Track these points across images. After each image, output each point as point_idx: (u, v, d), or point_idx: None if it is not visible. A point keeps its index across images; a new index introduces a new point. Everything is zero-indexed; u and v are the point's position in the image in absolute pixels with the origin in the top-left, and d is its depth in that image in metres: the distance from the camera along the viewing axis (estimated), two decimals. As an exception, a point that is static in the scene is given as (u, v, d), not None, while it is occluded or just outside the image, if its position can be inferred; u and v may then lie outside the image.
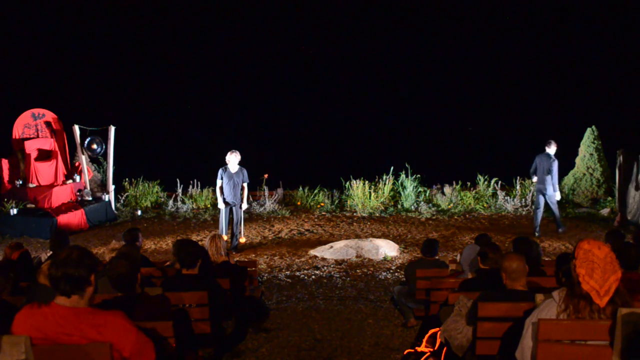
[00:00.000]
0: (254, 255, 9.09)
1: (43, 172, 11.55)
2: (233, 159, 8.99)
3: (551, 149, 9.60)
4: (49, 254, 6.34)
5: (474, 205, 12.13)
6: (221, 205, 9.13)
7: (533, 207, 10.27)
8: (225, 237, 9.04)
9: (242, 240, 9.45)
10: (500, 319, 3.59)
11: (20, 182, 11.33)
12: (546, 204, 9.75)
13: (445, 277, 5.46)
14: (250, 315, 5.66)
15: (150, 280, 4.91)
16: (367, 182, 12.49)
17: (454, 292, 4.39)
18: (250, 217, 11.90)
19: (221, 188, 9.07)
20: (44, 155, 11.68)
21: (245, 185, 9.15)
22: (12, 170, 11.56)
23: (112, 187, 12.34)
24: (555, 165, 9.52)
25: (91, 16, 19.19)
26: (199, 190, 12.97)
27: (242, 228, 9.46)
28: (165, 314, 3.55)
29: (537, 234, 9.75)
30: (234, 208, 9.14)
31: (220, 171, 9.09)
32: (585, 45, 18.79)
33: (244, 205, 9.24)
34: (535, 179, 9.92)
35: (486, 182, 12.54)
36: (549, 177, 9.51)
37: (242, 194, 9.13)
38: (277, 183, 12.95)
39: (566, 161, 11.75)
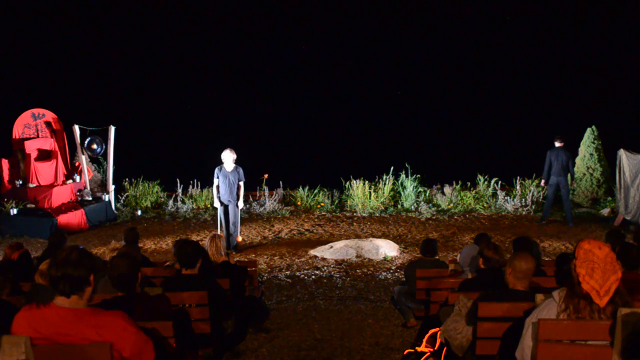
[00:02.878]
0: (254, 255, 9.09)
1: (43, 172, 11.55)
2: (228, 157, 8.94)
3: (561, 143, 10.43)
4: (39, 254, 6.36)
5: (474, 205, 12.13)
6: (217, 204, 9.13)
7: (545, 200, 11.05)
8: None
9: (239, 239, 9.43)
10: (500, 319, 3.59)
11: (20, 182, 11.33)
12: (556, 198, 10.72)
13: (445, 277, 5.46)
14: (250, 315, 5.66)
15: (150, 280, 4.91)
16: (367, 182, 12.49)
17: (454, 292, 4.39)
18: (250, 217, 11.91)
19: (218, 187, 9.07)
20: (44, 155, 11.68)
21: (241, 183, 9.10)
22: (12, 170, 11.56)
23: (112, 187, 12.34)
24: (571, 157, 10.58)
25: (91, 16, 19.19)
26: (199, 190, 12.98)
27: (239, 227, 9.42)
28: (165, 314, 3.55)
29: (543, 222, 10.85)
30: (229, 207, 9.08)
31: (216, 170, 9.06)
32: (586, 45, 18.79)
33: (240, 204, 9.19)
34: (542, 182, 10.79)
35: (486, 182, 12.53)
36: (566, 169, 10.42)
37: (238, 193, 9.11)
38: (277, 183, 12.94)
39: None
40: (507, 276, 3.71)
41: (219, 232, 9.12)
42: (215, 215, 12.00)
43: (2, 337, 2.58)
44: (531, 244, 4.94)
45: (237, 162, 9.14)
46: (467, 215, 11.76)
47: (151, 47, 19.80)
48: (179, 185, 12.83)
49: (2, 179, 11.49)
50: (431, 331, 4.41)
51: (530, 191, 12.06)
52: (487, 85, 19.58)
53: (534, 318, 3.05)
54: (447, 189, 12.51)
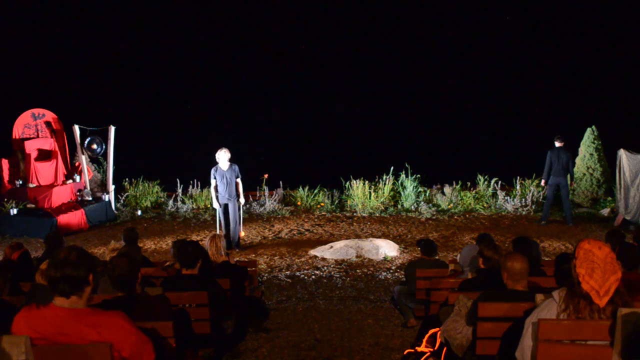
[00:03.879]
0: (254, 255, 9.09)
1: (43, 172, 11.55)
2: (223, 156, 9.03)
3: (562, 143, 10.38)
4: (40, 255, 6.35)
5: (474, 205, 12.13)
6: (215, 205, 9.21)
7: (545, 200, 11.03)
8: None
9: (242, 234, 9.52)
10: (500, 319, 3.59)
11: (20, 182, 11.33)
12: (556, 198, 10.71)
13: (445, 277, 5.46)
14: (250, 315, 5.66)
15: (150, 280, 4.91)
16: (367, 182, 12.49)
17: (454, 292, 4.39)
18: (250, 217, 11.90)
19: (216, 187, 9.15)
20: (44, 155, 11.68)
21: (239, 180, 9.18)
22: (12, 170, 11.56)
23: (112, 187, 12.34)
24: (571, 157, 10.55)
25: (91, 16, 19.19)
26: (199, 190, 12.97)
27: (241, 223, 9.50)
28: (165, 314, 3.54)
29: (543, 223, 10.77)
30: (229, 205, 9.14)
31: (212, 171, 9.17)
32: (586, 45, 18.79)
33: (241, 200, 9.28)
34: (542, 182, 10.78)
35: (486, 182, 12.53)
36: (566, 170, 10.38)
37: (237, 189, 9.16)
38: (277, 183, 12.95)
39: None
40: (505, 281, 3.72)
41: (218, 232, 9.18)
42: (215, 215, 12.06)
43: (2, 337, 2.58)
44: (531, 244, 4.93)
45: (235, 160, 9.26)
46: (467, 215, 11.76)
47: (151, 47, 19.80)
48: (179, 185, 12.83)
49: (2, 179, 11.49)
50: (431, 331, 4.41)
51: (530, 191, 12.06)
52: (487, 85, 19.58)
53: (534, 318, 3.05)
54: (447, 189, 12.51)
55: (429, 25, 20.70)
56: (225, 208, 9.19)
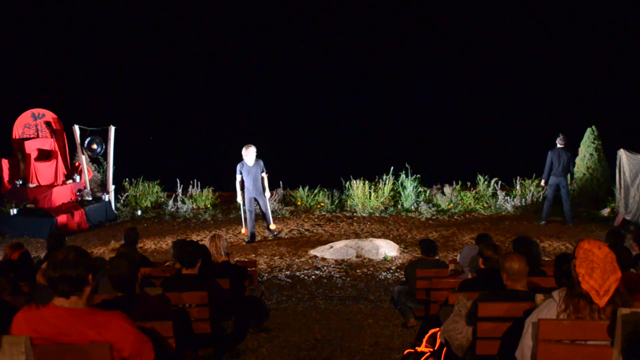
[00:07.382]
0: (254, 255, 9.09)
1: (43, 172, 11.55)
2: (249, 153, 9.34)
3: (564, 143, 10.35)
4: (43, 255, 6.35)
5: (474, 205, 12.13)
6: (240, 199, 9.57)
7: (545, 200, 11.00)
8: (244, 231, 9.71)
9: (273, 227, 9.94)
10: (500, 319, 3.59)
11: (20, 182, 11.33)
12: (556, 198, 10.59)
13: (445, 277, 5.46)
14: (250, 315, 5.66)
15: (150, 280, 4.91)
16: (367, 182, 12.49)
17: (454, 292, 4.39)
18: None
19: (241, 182, 9.46)
20: (44, 155, 11.68)
21: (264, 175, 9.53)
22: (12, 170, 11.56)
23: (112, 187, 12.34)
24: (572, 158, 10.55)
25: (91, 16, 19.19)
26: (199, 190, 12.98)
27: (270, 216, 9.86)
28: (165, 314, 3.54)
29: (543, 223, 10.73)
30: (259, 199, 9.51)
31: (238, 166, 9.45)
32: (585, 45, 18.78)
33: (267, 194, 9.64)
34: (543, 182, 10.75)
35: (486, 182, 12.53)
36: (567, 170, 10.36)
37: (263, 184, 9.51)
38: (277, 183, 12.95)
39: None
40: (504, 281, 3.72)
41: (244, 228, 9.69)
42: (216, 215, 12.09)
43: (2, 337, 2.58)
44: (531, 244, 4.93)
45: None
46: (467, 215, 11.76)
47: (151, 47, 19.79)
48: (179, 185, 12.83)
49: (2, 179, 11.49)
50: (431, 331, 4.42)
51: (530, 191, 12.06)
52: (487, 85, 19.57)
53: (534, 318, 3.05)
54: (447, 189, 12.51)
55: (429, 25, 20.70)
56: (256, 202, 9.59)
